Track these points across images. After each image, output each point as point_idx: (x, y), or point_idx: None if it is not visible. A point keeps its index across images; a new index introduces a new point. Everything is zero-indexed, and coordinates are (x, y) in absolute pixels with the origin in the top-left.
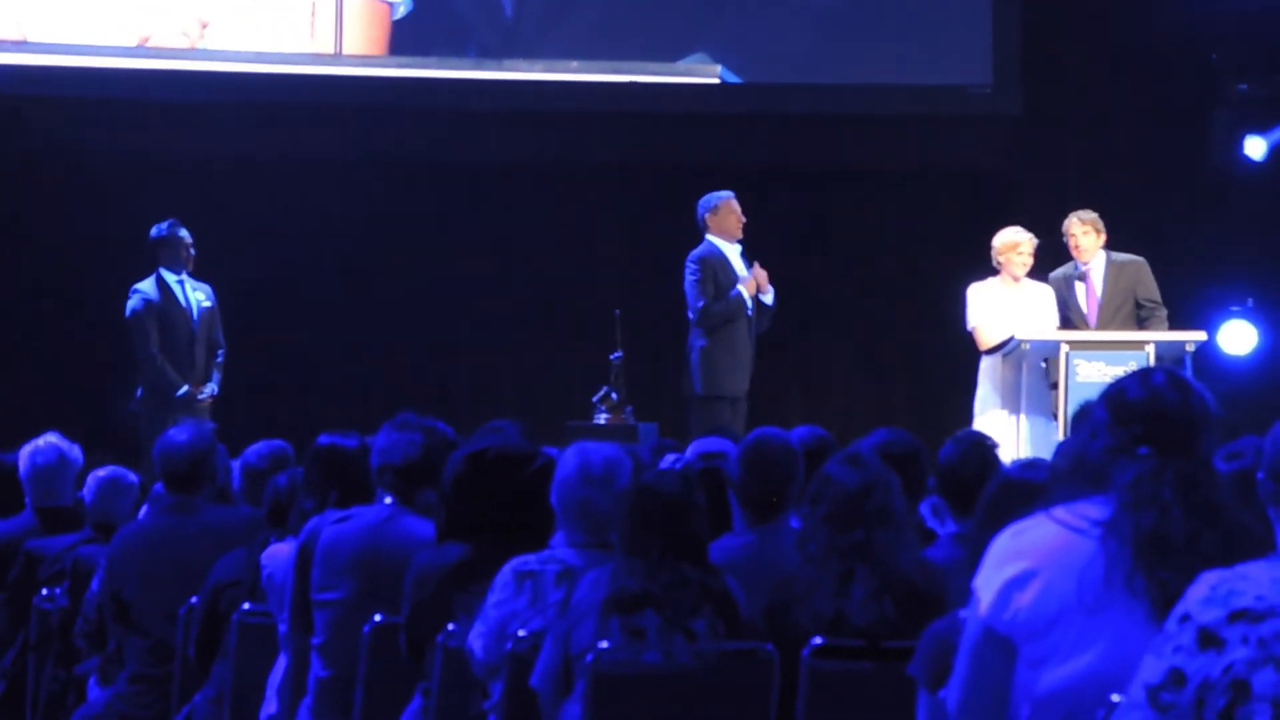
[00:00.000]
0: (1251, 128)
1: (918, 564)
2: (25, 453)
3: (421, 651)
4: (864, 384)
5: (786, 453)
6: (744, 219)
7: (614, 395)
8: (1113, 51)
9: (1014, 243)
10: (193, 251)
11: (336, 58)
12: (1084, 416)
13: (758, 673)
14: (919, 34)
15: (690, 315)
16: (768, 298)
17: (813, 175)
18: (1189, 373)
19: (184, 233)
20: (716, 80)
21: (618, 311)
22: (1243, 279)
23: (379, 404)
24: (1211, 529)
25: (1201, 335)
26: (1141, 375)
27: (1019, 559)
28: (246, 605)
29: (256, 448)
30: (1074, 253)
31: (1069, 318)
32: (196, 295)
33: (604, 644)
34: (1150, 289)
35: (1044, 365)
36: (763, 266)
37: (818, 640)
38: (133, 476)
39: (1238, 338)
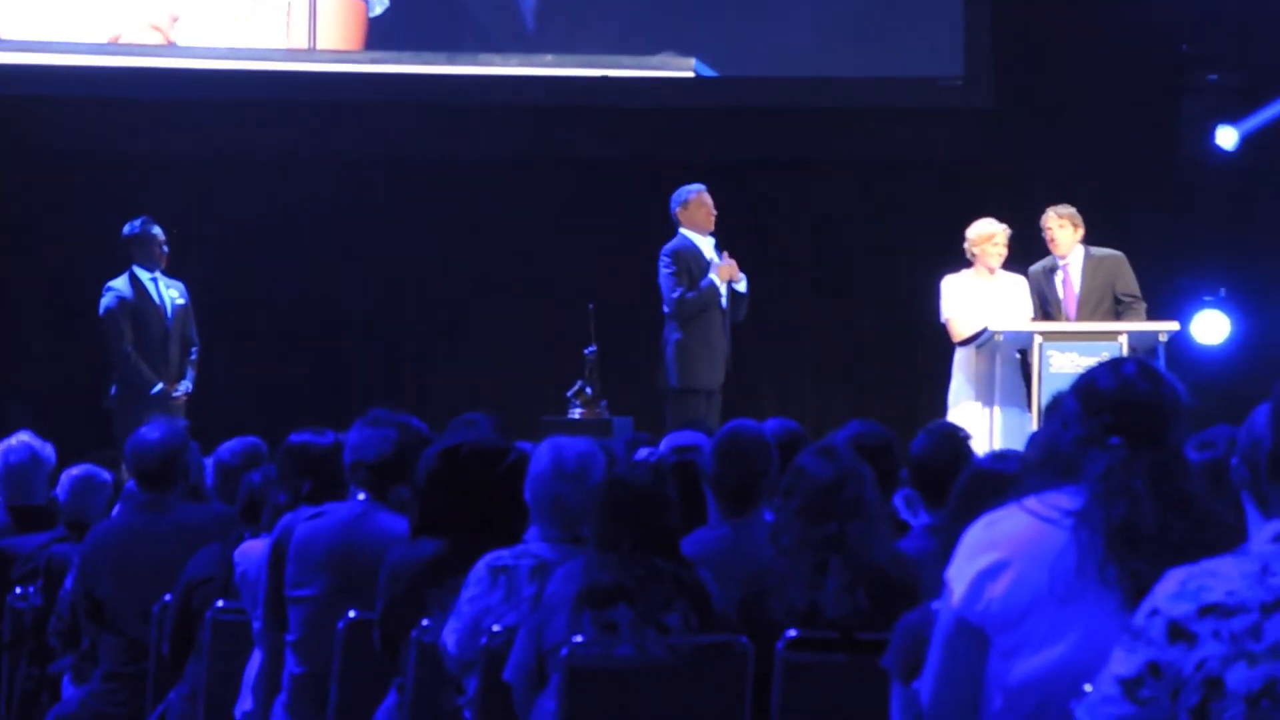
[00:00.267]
0: (1222, 118)
1: (891, 556)
2: None
3: (396, 647)
4: (837, 376)
5: (760, 445)
6: (715, 212)
7: (588, 390)
8: (1083, 43)
9: (988, 234)
10: (165, 249)
11: (310, 53)
12: (1056, 407)
13: (732, 665)
14: (890, 27)
15: (665, 308)
16: (741, 286)
17: (784, 168)
18: (1161, 363)
19: (157, 230)
20: (691, 74)
21: (591, 306)
22: (1215, 269)
23: (353, 400)
24: (1183, 519)
25: (1174, 325)
26: (1112, 365)
27: (991, 550)
28: (220, 602)
29: (230, 445)
30: (1050, 246)
31: (1048, 312)
32: (170, 293)
33: (578, 638)
34: (1129, 283)
35: (1018, 357)
36: (736, 259)
37: (792, 633)
38: (106, 475)
39: (1210, 327)
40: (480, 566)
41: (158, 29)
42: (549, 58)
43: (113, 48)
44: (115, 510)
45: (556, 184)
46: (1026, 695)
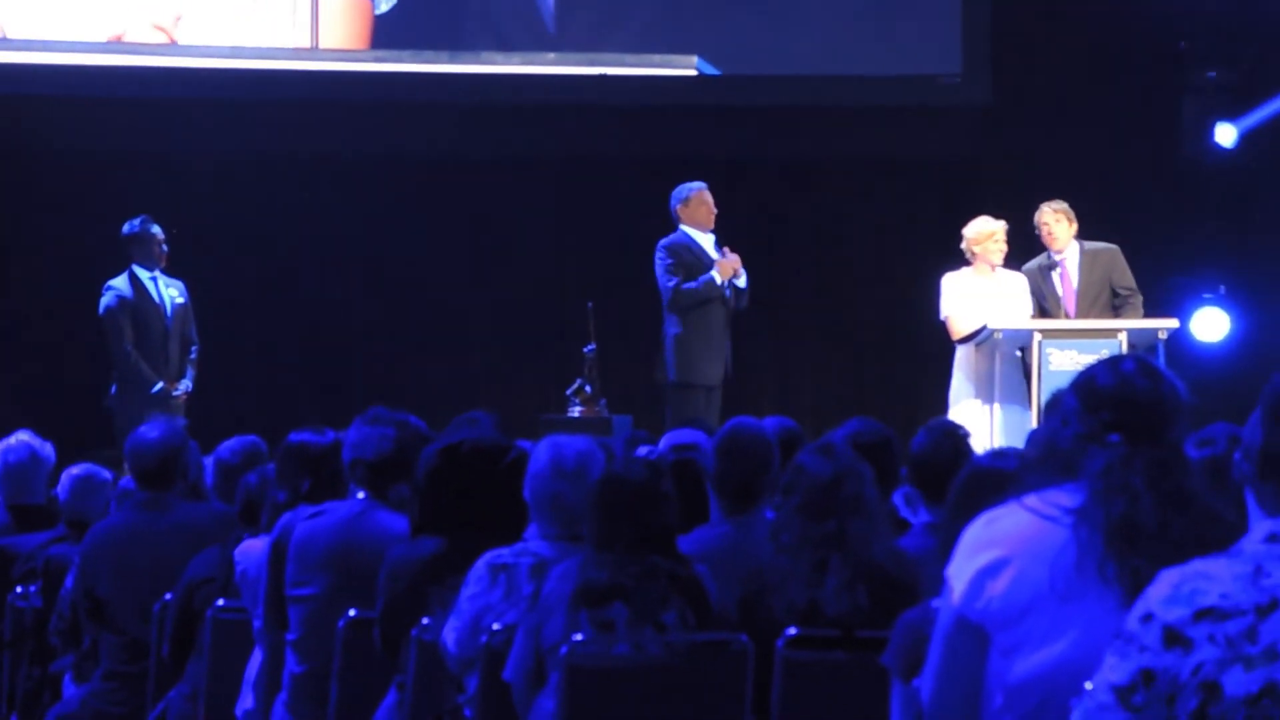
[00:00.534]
0: (1221, 115)
1: (891, 553)
2: None
3: (396, 646)
4: (837, 374)
5: (762, 443)
6: (715, 210)
7: (588, 388)
8: (1082, 40)
9: (989, 232)
10: (165, 248)
11: (312, 52)
12: (1055, 405)
13: (731, 664)
14: (889, 24)
15: (663, 303)
16: (740, 281)
17: (783, 166)
18: (1161, 360)
19: (156, 229)
20: (693, 72)
21: (591, 304)
22: (1214, 266)
23: (353, 399)
24: (1182, 516)
25: (1174, 323)
26: (1111, 362)
27: (991, 547)
28: (221, 601)
29: (229, 444)
30: (1046, 241)
31: (1045, 308)
32: (170, 292)
33: (576, 637)
34: (1125, 276)
35: (1019, 354)
36: (737, 255)
37: (792, 630)
38: (107, 474)
39: (1210, 325)
40: (480, 565)
41: (161, 28)
42: (551, 55)
43: (111, 46)
44: (110, 509)
45: (556, 182)
46: (1027, 693)
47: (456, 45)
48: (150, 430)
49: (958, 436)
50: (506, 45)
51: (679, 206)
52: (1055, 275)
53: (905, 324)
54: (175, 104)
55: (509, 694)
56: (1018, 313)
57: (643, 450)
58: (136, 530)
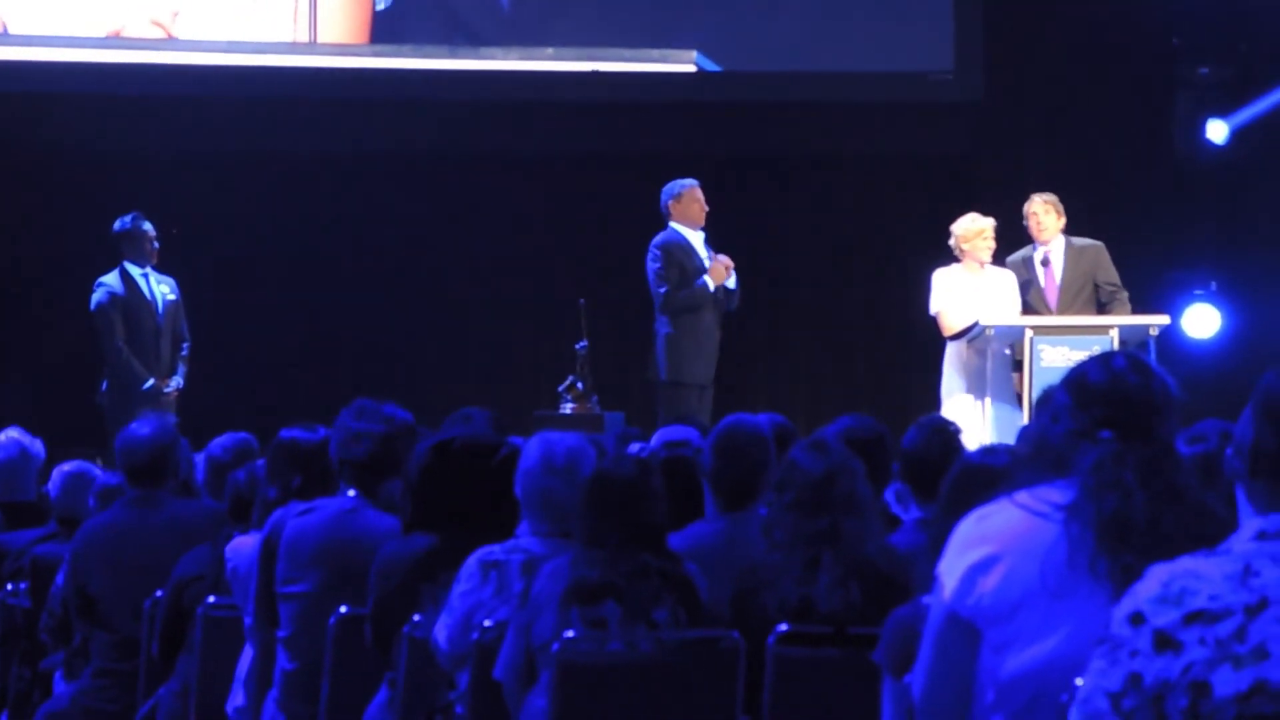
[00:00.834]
0: (1213, 111)
1: (883, 550)
2: None
3: (388, 642)
4: (829, 370)
5: (758, 440)
6: (707, 207)
7: (580, 385)
8: (1074, 36)
9: (979, 229)
10: (156, 245)
11: (310, 46)
12: (1046, 401)
13: (723, 660)
14: (880, 21)
15: (654, 302)
16: (730, 282)
17: (775, 162)
18: (1152, 357)
19: (147, 226)
20: (692, 68)
21: (582, 301)
22: (1206, 263)
23: (344, 396)
24: (1173, 512)
25: (1165, 319)
26: (1102, 359)
27: (982, 544)
28: (211, 599)
29: (221, 441)
30: (1034, 232)
31: (1029, 301)
32: (161, 288)
33: (569, 634)
34: (1110, 272)
35: (1008, 351)
36: (728, 253)
37: (784, 627)
38: (98, 471)
39: (1201, 321)
40: (471, 562)
41: (159, 24)
42: (550, 50)
43: (108, 42)
44: (90, 506)
45: (549, 178)
46: (1018, 689)
47: (454, 41)
48: (141, 427)
49: (949, 433)
50: (504, 41)
51: (670, 203)
52: (1039, 268)
53: (897, 320)
54: (167, 100)
55: (500, 691)
56: (1006, 309)
57: (634, 447)
58: (127, 527)
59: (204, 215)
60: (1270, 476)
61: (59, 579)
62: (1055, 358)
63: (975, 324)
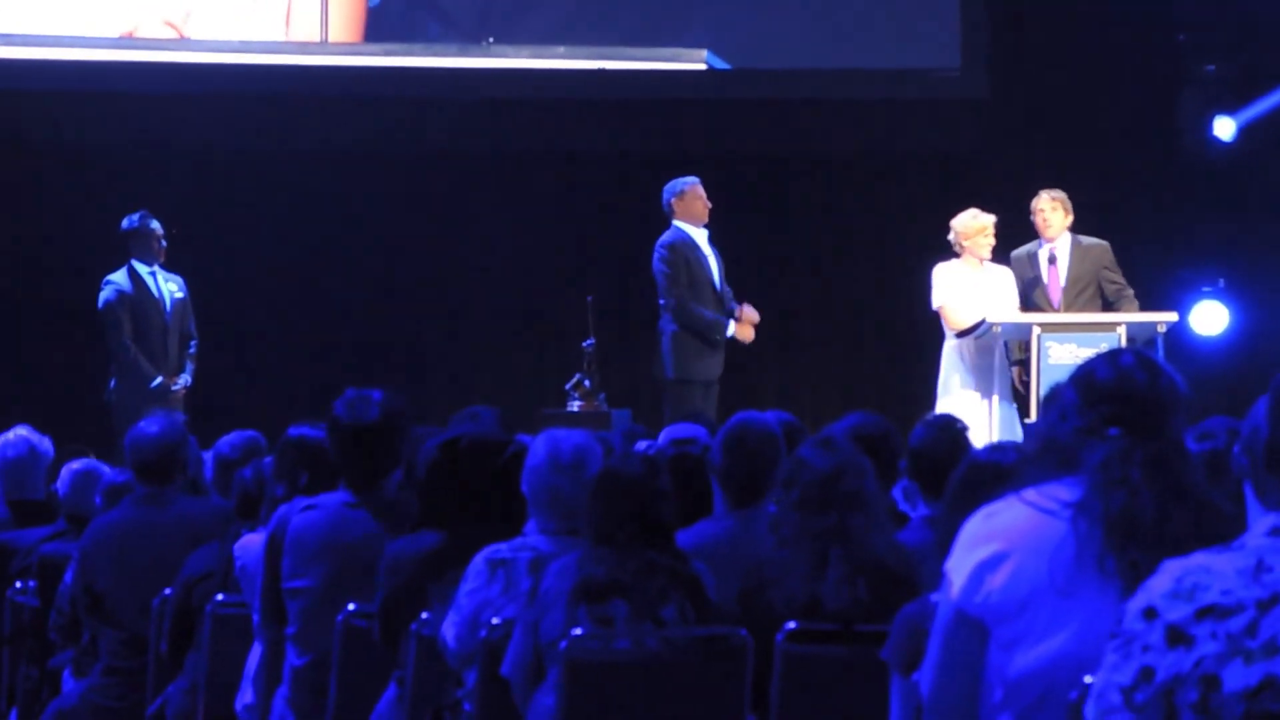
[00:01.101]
0: (1220, 108)
1: (891, 547)
2: None
3: (396, 640)
4: (836, 367)
5: (769, 438)
6: (709, 204)
7: (587, 382)
8: (1080, 33)
9: (981, 226)
10: (164, 243)
11: (319, 45)
12: (1053, 398)
13: (731, 658)
14: (886, 18)
15: (661, 301)
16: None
17: (781, 159)
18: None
19: (155, 224)
20: (703, 66)
21: (590, 298)
22: (1214, 259)
23: None
24: (1181, 509)
25: (1173, 316)
26: (1110, 356)
27: (990, 541)
28: (220, 596)
29: (229, 439)
30: (1041, 229)
31: (1033, 298)
32: (169, 286)
33: (576, 631)
34: (1115, 270)
35: (1003, 348)
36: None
37: (791, 624)
38: (106, 469)
39: (1209, 318)
40: (478, 560)
41: (171, 25)
42: (562, 49)
43: (111, 41)
44: (98, 504)
45: (556, 176)
46: (1026, 687)
47: (461, 39)
48: (150, 425)
49: (956, 430)
50: (514, 39)
51: (673, 201)
52: (1044, 264)
53: (903, 317)
54: (175, 99)
55: (508, 689)
56: (1005, 306)
57: (642, 445)
58: (136, 525)
59: (212, 214)
60: None
61: (67, 577)
62: (1063, 355)
63: (983, 321)
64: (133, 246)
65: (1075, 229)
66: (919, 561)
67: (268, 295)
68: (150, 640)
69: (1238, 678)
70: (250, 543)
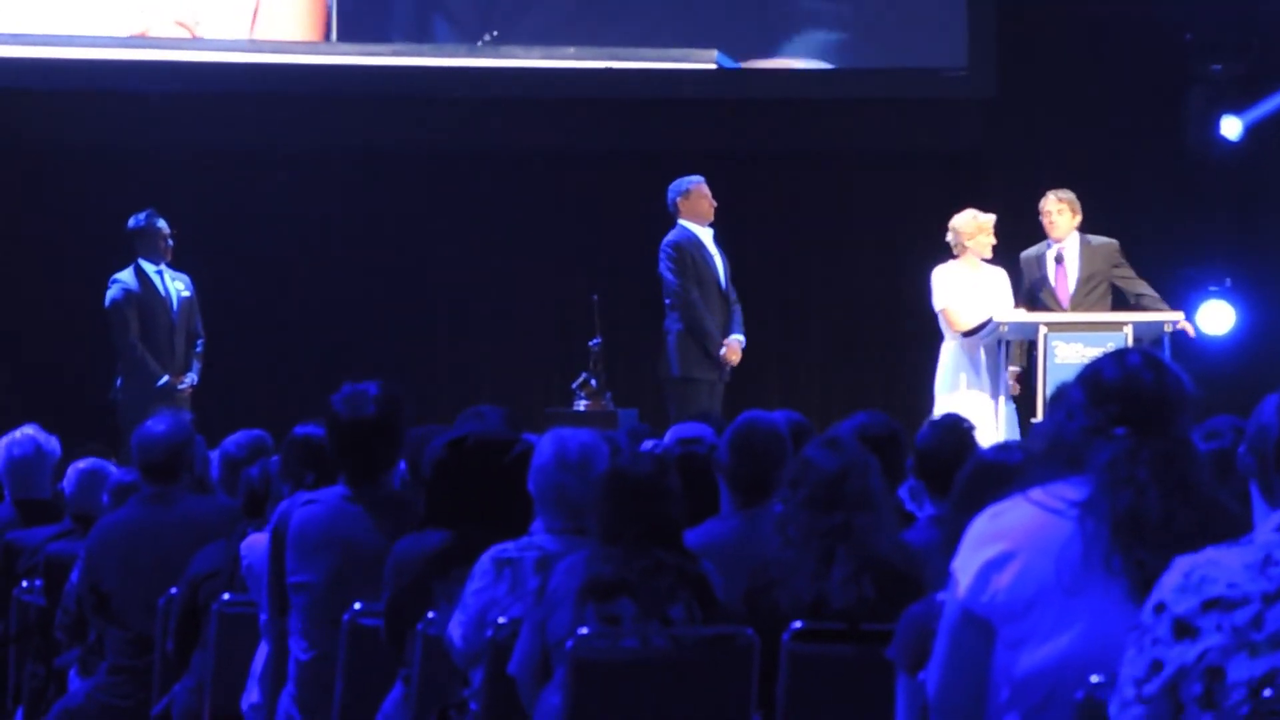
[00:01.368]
0: (1227, 107)
1: (897, 547)
2: (1, 445)
3: (402, 639)
4: (841, 366)
5: (775, 438)
6: (715, 203)
7: (593, 381)
8: (1087, 33)
9: (983, 225)
10: (170, 242)
11: (329, 45)
12: (1060, 398)
13: (737, 657)
14: (894, 18)
15: (666, 300)
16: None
17: (787, 159)
18: (1167, 353)
19: (161, 223)
20: (713, 65)
21: (596, 297)
22: (1220, 259)
23: None
24: (1188, 508)
25: (1179, 316)
26: (1117, 356)
27: (997, 541)
28: (226, 595)
29: (235, 438)
30: (1048, 230)
31: (1040, 297)
32: (175, 285)
33: (583, 630)
34: (1126, 268)
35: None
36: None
37: (798, 624)
38: (112, 468)
39: (1216, 318)
40: (485, 559)
41: (183, 25)
42: (572, 50)
43: (112, 41)
44: (104, 503)
45: (564, 176)
46: (1033, 686)
47: (467, 37)
48: (157, 424)
49: (963, 430)
50: (521, 38)
51: (679, 199)
52: (1051, 264)
53: (911, 316)
54: (183, 99)
55: (514, 688)
56: (1003, 306)
57: (647, 444)
58: (142, 524)
59: (218, 212)
60: None
61: (74, 576)
62: (1069, 354)
63: (989, 321)
64: (139, 245)
65: (1082, 228)
66: (925, 561)
67: (274, 294)
68: (156, 639)
69: (1242, 669)
70: (256, 542)
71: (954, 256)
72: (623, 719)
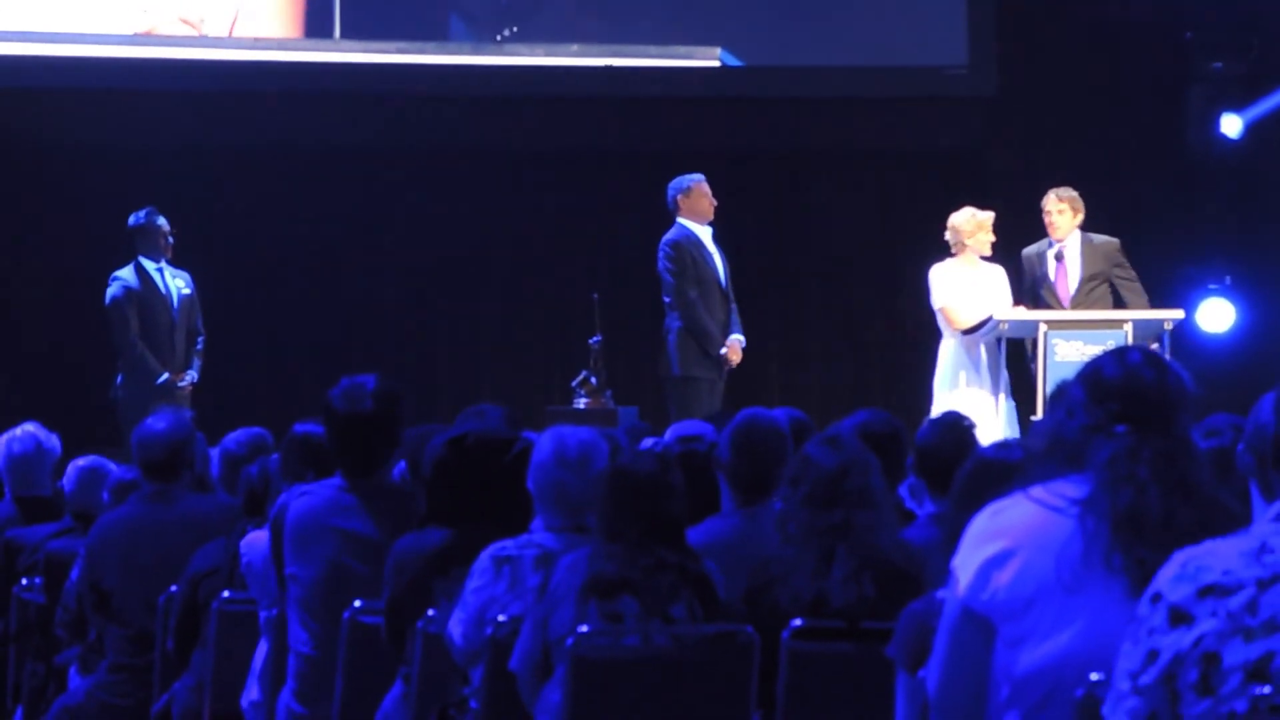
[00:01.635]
0: (1227, 105)
1: (897, 545)
2: (2, 442)
3: (402, 637)
4: (842, 364)
5: (776, 435)
6: (715, 201)
7: (593, 379)
8: (1087, 31)
9: (982, 222)
10: (170, 240)
11: (332, 42)
12: (1060, 396)
13: (738, 655)
14: (894, 16)
15: (666, 298)
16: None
17: (788, 157)
18: (1167, 351)
19: (161, 221)
20: (717, 63)
21: (596, 295)
22: (1220, 257)
23: None
24: (1188, 506)
25: (1179, 313)
26: (1117, 354)
27: (997, 538)
28: (226, 593)
29: (236, 435)
30: (1049, 230)
31: (1041, 295)
32: (176, 283)
33: (584, 628)
34: (1126, 268)
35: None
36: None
37: (797, 622)
38: (113, 466)
39: (1216, 316)
40: (484, 557)
41: (188, 22)
42: (575, 47)
43: (111, 38)
44: (105, 500)
45: (566, 174)
46: (1033, 684)
47: (473, 35)
48: (158, 422)
49: (963, 428)
50: (525, 36)
51: (679, 197)
52: (1052, 263)
53: (913, 314)
54: (184, 97)
55: (514, 685)
56: (1000, 303)
57: (647, 442)
58: (143, 522)
59: (219, 210)
60: None
61: (74, 574)
62: (1069, 352)
63: (989, 318)
64: (140, 243)
65: (1083, 226)
66: (925, 559)
67: (275, 292)
68: (156, 637)
69: (1237, 654)
70: (256, 539)
71: (952, 255)
72: (623, 716)
